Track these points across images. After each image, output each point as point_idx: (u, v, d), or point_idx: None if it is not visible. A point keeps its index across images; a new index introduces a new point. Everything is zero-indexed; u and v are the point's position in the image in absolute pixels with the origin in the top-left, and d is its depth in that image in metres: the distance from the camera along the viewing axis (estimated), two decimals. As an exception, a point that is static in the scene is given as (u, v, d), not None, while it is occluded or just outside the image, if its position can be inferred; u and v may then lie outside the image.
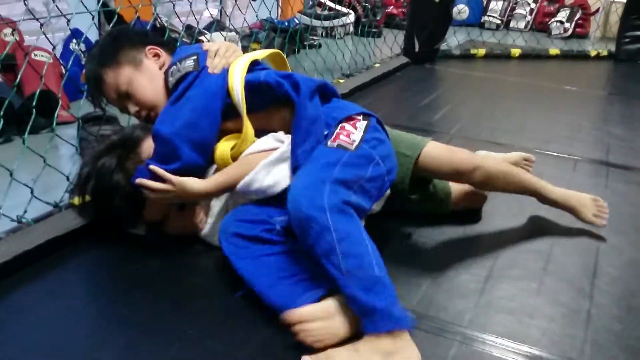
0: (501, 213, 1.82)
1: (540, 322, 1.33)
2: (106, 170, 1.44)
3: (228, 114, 1.42)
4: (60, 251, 1.46)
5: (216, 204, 1.52)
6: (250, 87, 1.42)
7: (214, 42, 1.55)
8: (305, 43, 3.62)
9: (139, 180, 1.38)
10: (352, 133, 1.37)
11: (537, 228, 1.75)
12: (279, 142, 1.42)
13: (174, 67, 1.46)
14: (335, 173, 1.24)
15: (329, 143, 1.34)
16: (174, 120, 1.38)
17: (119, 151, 1.46)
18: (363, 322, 1.14)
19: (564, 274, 1.51)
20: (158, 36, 1.60)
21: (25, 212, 1.52)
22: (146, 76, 1.49)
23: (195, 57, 1.45)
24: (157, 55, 1.53)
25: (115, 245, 1.51)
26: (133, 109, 1.49)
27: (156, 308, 1.30)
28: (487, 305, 1.38)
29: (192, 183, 1.38)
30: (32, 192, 1.55)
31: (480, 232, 1.72)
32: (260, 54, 1.54)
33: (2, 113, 1.57)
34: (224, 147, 1.43)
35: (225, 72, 1.44)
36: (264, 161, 1.37)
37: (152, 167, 1.37)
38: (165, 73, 1.50)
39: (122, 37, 1.55)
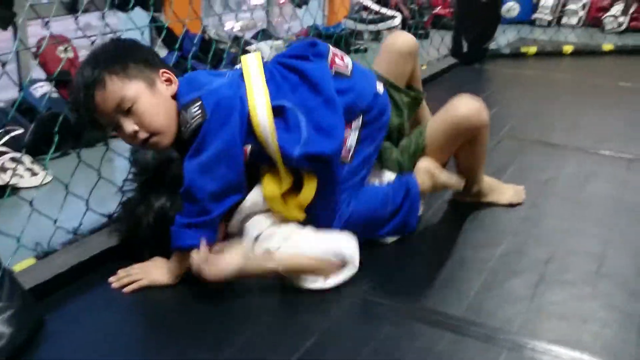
0: (552, 216, 1.78)
1: (592, 327, 1.30)
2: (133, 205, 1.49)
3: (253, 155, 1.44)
4: (115, 262, 1.50)
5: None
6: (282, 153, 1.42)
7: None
8: (351, 48, 3.63)
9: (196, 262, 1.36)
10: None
11: (589, 230, 1.71)
12: (337, 256, 1.42)
13: (182, 113, 1.39)
14: None
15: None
16: (204, 185, 1.37)
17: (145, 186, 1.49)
18: None
19: (618, 277, 1.48)
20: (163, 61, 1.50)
21: (80, 224, 1.58)
22: (159, 100, 1.39)
23: (199, 104, 1.37)
24: (169, 80, 1.43)
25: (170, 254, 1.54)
26: (130, 127, 1.37)
27: (206, 317, 1.32)
28: (538, 310, 1.36)
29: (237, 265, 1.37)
30: (87, 204, 1.61)
31: (531, 236, 1.69)
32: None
33: (57, 128, 1.63)
34: (272, 190, 1.44)
35: (242, 118, 1.40)
36: (335, 281, 1.42)
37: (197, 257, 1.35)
38: (179, 107, 1.41)
39: (137, 50, 1.43)
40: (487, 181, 1.82)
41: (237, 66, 1.53)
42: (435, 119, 1.68)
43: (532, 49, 3.95)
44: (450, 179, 1.66)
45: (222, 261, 1.35)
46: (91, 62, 1.38)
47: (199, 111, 1.36)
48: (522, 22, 4.77)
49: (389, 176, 1.65)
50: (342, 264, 1.43)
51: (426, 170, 1.63)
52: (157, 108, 1.38)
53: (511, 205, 1.81)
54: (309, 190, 1.45)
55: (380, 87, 1.60)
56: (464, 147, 1.67)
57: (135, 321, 1.36)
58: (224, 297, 1.39)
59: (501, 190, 1.84)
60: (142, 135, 1.38)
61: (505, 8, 4.61)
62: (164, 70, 1.43)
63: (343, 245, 1.44)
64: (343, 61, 1.54)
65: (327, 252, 1.42)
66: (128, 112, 1.36)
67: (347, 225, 1.50)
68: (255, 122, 1.40)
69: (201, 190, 1.36)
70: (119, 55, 1.38)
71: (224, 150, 1.37)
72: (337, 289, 1.42)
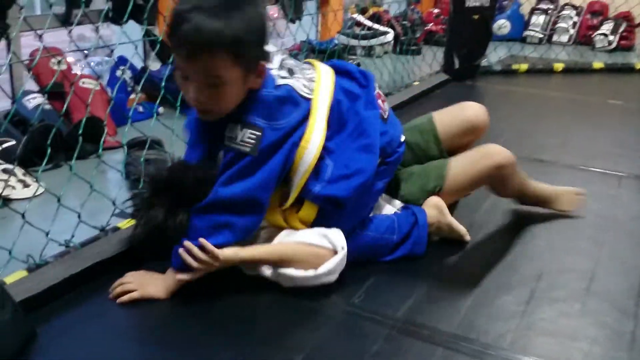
0: (543, 232, 1.79)
1: (582, 345, 1.30)
2: (155, 220, 1.45)
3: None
4: (107, 275, 1.49)
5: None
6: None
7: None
8: (345, 63, 3.64)
9: (189, 261, 1.38)
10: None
11: (580, 247, 1.72)
12: (324, 237, 1.45)
13: (243, 125, 1.35)
14: None
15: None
16: (234, 226, 1.38)
17: (166, 197, 1.46)
18: None
19: (608, 295, 1.49)
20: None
21: (72, 236, 1.57)
22: (241, 90, 1.34)
23: (259, 134, 1.34)
24: (261, 73, 1.36)
25: (159, 268, 1.54)
26: (201, 97, 1.32)
27: (196, 331, 1.32)
28: (529, 327, 1.36)
29: (231, 254, 1.40)
30: (79, 216, 1.60)
31: (522, 252, 1.70)
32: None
33: (50, 140, 1.63)
34: (274, 205, 1.47)
35: (286, 163, 1.41)
36: (327, 267, 1.43)
37: (204, 244, 1.36)
38: (247, 118, 1.35)
39: (264, 32, 1.34)
40: (543, 190, 1.86)
41: (308, 72, 1.49)
42: (462, 162, 1.69)
43: (523, 66, 3.99)
44: (457, 225, 1.68)
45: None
46: (223, 15, 1.25)
47: (253, 142, 1.34)
48: (513, 40, 4.81)
49: (397, 205, 1.68)
50: (330, 251, 1.44)
51: (435, 205, 1.66)
52: (234, 97, 1.34)
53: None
54: (310, 211, 1.48)
55: (403, 137, 1.64)
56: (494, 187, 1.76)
57: (126, 334, 1.35)
58: (215, 312, 1.39)
59: (559, 196, 1.87)
60: (204, 107, 1.35)
61: (496, 25, 4.65)
62: (263, 62, 1.36)
63: (326, 230, 1.46)
64: (384, 105, 1.59)
65: (312, 236, 1.44)
66: (206, 81, 1.30)
67: (351, 248, 1.49)
68: (298, 160, 1.42)
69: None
70: (250, 33, 1.28)
71: (252, 194, 1.37)
72: (328, 303, 1.42)
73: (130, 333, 1.36)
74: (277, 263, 1.43)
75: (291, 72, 1.45)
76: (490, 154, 1.68)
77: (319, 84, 1.47)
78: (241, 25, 1.25)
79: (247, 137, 1.34)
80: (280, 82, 1.39)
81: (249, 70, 1.31)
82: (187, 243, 1.36)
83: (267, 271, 1.44)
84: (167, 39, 1.30)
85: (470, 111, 1.77)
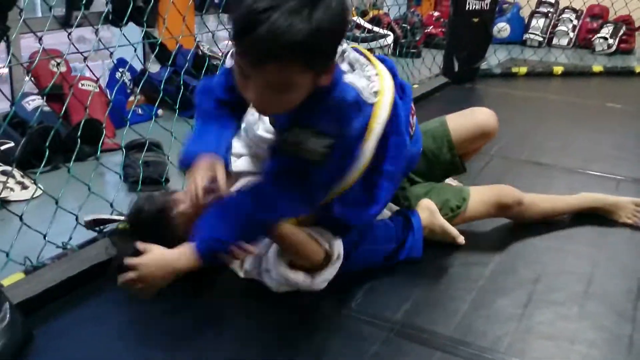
0: (540, 235, 1.79)
1: (580, 348, 1.30)
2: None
3: None
4: (103, 277, 1.49)
5: None
6: None
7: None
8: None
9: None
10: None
11: (577, 250, 1.72)
12: (323, 238, 1.43)
13: (310, 131, 1.19)
14: None
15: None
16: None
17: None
18: None
19: (606, 298, 1.48)
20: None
21: (70, 238, 1.57)
22: (306, 92, 1.14)
23: (330, 142, 1.19)
24: (331, 72, 1.16)
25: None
26: (260, 97, 1.11)
27: (192, 333, 1.32)
28: (527, 330, 1.36)
29: None
30: (77, 219, 1.60)
31: (519, 255, 1.70)
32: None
33: (48, 142, 1.63)
34: None
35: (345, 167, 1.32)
36: (324, 277, 1.43)
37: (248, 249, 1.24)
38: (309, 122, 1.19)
39: (342, 33, 1.15)
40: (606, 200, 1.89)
41: (367, 69, 1.38)
42: (480, 197, 1.73)
43: (523, 70, 3.99)
44: (449, 227, 1.67)
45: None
46: (305, 13, 1.02)
47: (323, 151, 1.18)
48: (513, 43, 4.82)
49: (392, 208, 1.68)
50: (327, 255, 1.42)
51: (427, 207, 1.66)
52: (300, 100, 1.14)
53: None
54: (312, 217, 1.43)
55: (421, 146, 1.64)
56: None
57: (124, 336, 1.35)
58: (213, 315, 1.39)
59: (618, 208, 1.89)
60: (264, 108, 1.19)
61: (496, 28, 4.65)
62: (333, 65, 1.16)
63: (328, 234, 1.44)
64: (413, 119, 1.53)
65: (312, 232, 1.42)
66: (271, 87, 1.09)
67: (350, 260, 1.48)
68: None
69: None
70: (332, 32, 1.08)
71: (308, 199, 1.28)
72: (326, 306, 1.42)
73: (127, 335, 1.36)
74: (287, 245, 1.38)
75: (352, 66, 1.35)
76: (503, 194, 1.75)
77: (382, 93, 1.33)
78: (324, 24, 1.04)
79: (317, 145, 1.18)
80: (346, 79, 1.23)
81: (322, 71, 1.13)
82: (245, 247, 1.22)
83: (264, 275, 1.44)
84: (232, 39, 1.08)
85: (482, 116, 1.77)
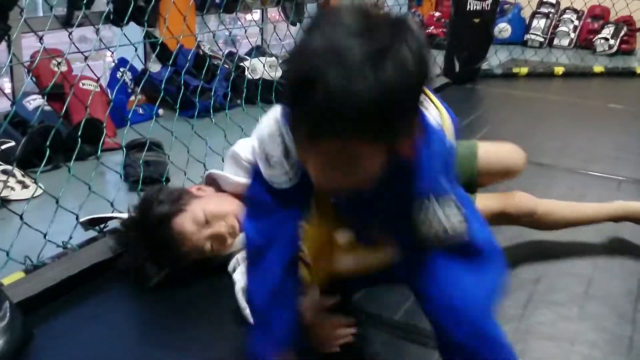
0: (541, 236, 1.79)
1: (581, 349, 1.30)
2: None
3: None
4: (103, 276, 1.49)
5: None
6: None
7: None
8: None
9: None
10: None
11: (578, 251, 1.72)
12: None
13: (431, 212, 0.92)
14: None
15: None
16: None
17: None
18: None
19: (606, 299, 1.48)
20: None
21: (70, 237, 1.57)
22: (382, 162, 0.86)
23: (459, 206, 0.94)
24: (410, 140, 0.87)
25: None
26: (320, 176, 0.88)
27: (192, 332, 1.32)
28: (527, 331, 1.36)
29: None
30: (77, 218, 1.60)
31: (520, 256, 1.69)
32: None
33: (49, 142, 1.63)
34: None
35: None
36: None
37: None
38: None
39: (423, 73, 0.84)
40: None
41: (429, 107, 1.03)
42: (485, 204, 1.62)
43: (524, 70, 3.99)
44: None
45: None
46: (372, 68, 0.76)
47: (462, 219, 0.93)
48: (514, 43, 4.82)
49: None
50: None
51: None
52: (379, 170, 0.86)
53: None
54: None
55: None
56: None
57: (124, 335, 1.35)
58: (214, 314, 1.39)
59: None
60: (327, 189, 1.01)
61: (497, 29, 4.66)
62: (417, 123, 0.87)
63: None
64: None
65: None
66: (331, 165, 0.85)
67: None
68: None
69: None
70: (408, 87, 0.80)
71: None
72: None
73: (127, 334, 1.36)
74: None
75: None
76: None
77: (446, 127, 1.08)
78: (397, 79, 0.77)
79: (452, 218, 0.93)
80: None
81: (405, 135, 0.85)
82: None
83: None
84: (285, 102, 0.87)
85: (515, 156, 1.68)
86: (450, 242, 0.93)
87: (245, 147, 1.52)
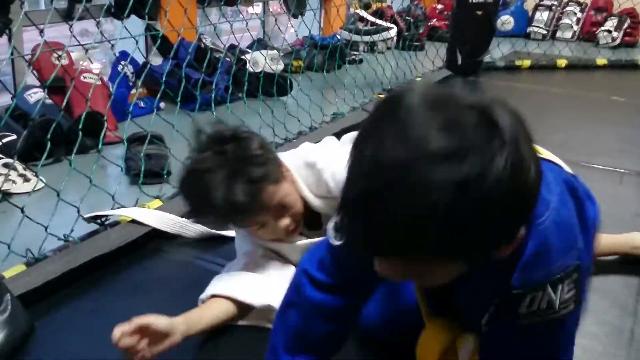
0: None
1: (582, 341, 1.29)
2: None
3: None
4: (105, 269, 1.49)
5: None
6: None
7: None
8: (347, 59, 3.64)
9: None
10: None
11: (580, 244, 1.71)
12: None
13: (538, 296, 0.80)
14: None
15: None
16: None
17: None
18: None
19: (608, 292, 1.48)
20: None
21: (72, 230, 1.57)
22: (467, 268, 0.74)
23: (577, 277, 0.82)
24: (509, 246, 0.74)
25: (156, 263, 1.54)
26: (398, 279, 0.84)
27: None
28: (528, 323, 1.36)
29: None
30: (78, 211, 1.60)
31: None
32: None
33: (50, 135, 1.63)
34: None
35: None
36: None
37: None
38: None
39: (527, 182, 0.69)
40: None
41: None
42: None
43: (526, 62, 3.98)
44: None
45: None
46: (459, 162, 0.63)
47: (574, 292, 0.82)
48: (516, 36, 4.81)
49: None
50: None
51: None
52: (459, 273, 0.74)
53: None
54: None
55: None
56: None
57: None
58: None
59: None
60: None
61: (500, 21, 4.65)
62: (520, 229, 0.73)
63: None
64: None
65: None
66: (404, 277, 0.79)
67: None
68: None
69: None
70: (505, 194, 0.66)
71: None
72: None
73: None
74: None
75: None
76: None
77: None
78: (491, 183, 0.64)
79: (562, 299, 0.81)
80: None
81: (491, 249, 0.71)
82: None
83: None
84: (340, 205, 0.70)
85: None
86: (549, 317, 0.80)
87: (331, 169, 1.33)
